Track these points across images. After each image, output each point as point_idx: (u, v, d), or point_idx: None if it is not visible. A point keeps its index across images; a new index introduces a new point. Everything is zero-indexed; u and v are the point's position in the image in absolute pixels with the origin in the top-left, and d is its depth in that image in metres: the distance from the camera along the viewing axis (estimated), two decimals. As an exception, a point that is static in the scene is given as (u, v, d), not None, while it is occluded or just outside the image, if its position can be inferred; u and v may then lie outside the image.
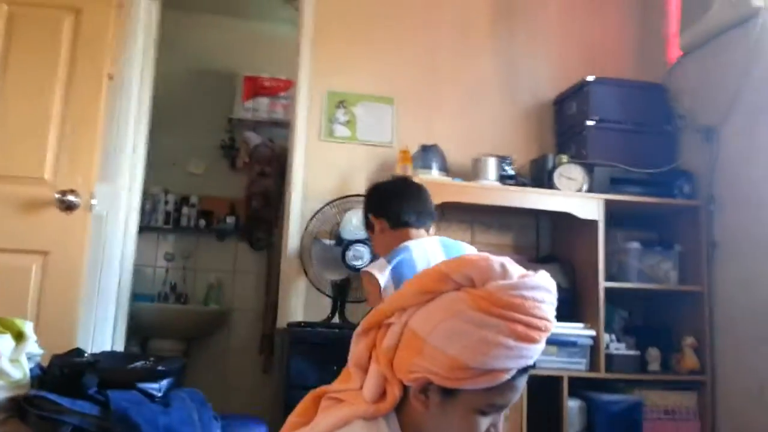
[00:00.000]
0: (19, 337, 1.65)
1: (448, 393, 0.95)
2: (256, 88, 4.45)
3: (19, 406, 1.56)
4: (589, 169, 2.86)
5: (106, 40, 2.55)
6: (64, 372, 1.63)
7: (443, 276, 0.98)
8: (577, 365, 2.69)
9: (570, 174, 2.86)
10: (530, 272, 0.98)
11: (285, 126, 4.11)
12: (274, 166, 4.34)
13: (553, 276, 1.00)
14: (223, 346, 4.26)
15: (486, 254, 0.99)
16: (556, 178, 2.85)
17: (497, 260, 0.97)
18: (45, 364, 1.73)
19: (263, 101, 4.46)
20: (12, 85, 2.49)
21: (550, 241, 3.17)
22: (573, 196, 2.82)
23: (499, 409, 0.99)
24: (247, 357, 4.21)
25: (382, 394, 1.00)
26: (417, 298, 0.99)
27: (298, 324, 2.71)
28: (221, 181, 4.43)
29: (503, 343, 0.92)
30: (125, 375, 1.69)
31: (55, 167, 2.46)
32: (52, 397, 1.54)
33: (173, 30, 4.01)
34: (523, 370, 0.96)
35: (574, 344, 2.69)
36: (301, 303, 2.92)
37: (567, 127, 3.14)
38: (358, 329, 1.07)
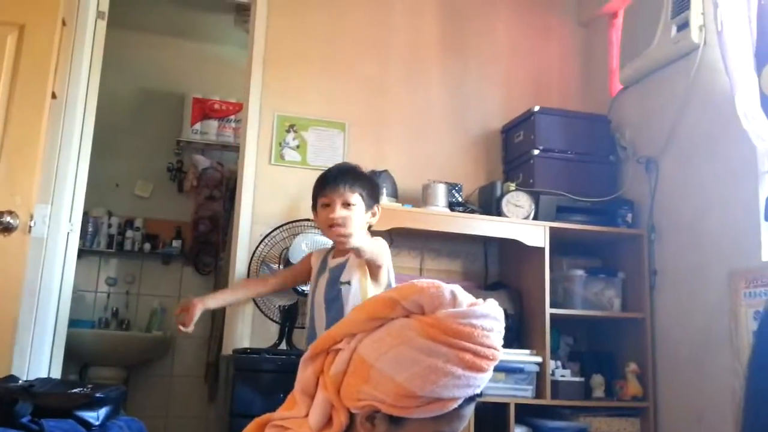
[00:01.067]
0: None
1: (395, 421, 0.94)
2: (205, 110, 4.41)
3: (-53, 436, 1.48)
4: (535, 197, 2.91)
5: (50, 58, 2.47)
6: (-4, 400, 1.56)
7: (393, 302, 0.97)
8: (523, 392, 2.70)
9: (517, 201, 2.90)
10: (479, 300, 0.98)
11: (234, 149, 4.07)
12: (222, 190, 4.30)
13: (500, 302, 1.01)
14: (166, 373, 4.15)
15: (436, 281, 0.99)
16: (504, 205, 2.89)
17: (447, 288, 0.97)
18: (-24, 392, 1.64)
19: (212, 124, 4.42)
20: (-51, 101, 2.40)
21: (498, 267, 3.20)
22: (520, 224, 2.86)
23: (446, 437, 0.98)
24: (191, 385, 4.11)
25: (328, 422, 0.98)
26: (366, 325, 0.99)
27: (244, 350, 2.65)
28: (168, 204, 4.35)
29: (452, 372, 0.91)
30: (61, 402, 1.62)
31: (-7, 187, 2.37)
32: (-18, 427, 1.47)
33: (121, 49, 3.95)
34: (471, 399, 0.96)
35: (521, 371, 2.70)
36: (247, 329, 2.87)
37: (514, 155, 3.20)
38: (307, 354, 1.05)
